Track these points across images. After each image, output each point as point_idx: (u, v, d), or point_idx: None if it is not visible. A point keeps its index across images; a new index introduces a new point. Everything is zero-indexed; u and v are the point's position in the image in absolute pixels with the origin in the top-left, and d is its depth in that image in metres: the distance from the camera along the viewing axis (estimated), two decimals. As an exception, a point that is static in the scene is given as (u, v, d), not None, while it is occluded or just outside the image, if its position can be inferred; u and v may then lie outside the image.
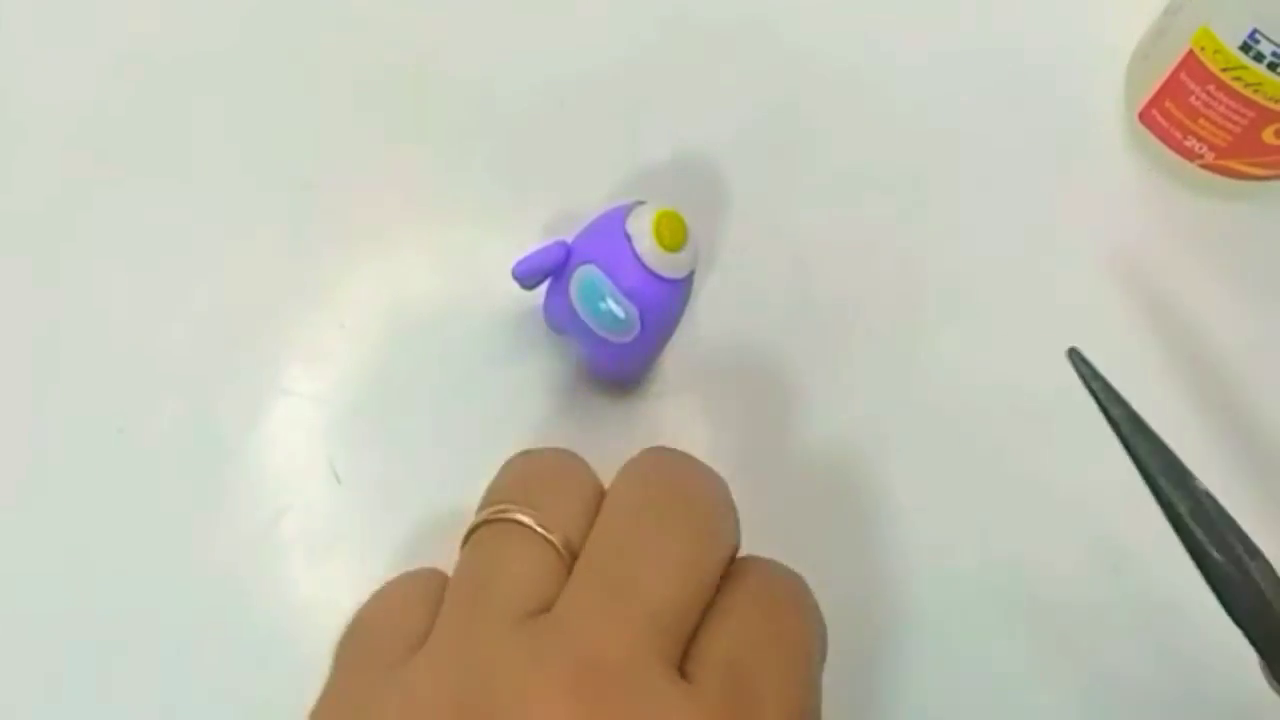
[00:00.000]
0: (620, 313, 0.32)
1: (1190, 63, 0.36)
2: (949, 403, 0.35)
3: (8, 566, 0.35)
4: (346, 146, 0.38)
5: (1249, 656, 0.28)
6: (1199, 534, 0.28)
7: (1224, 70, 0.35)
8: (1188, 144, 0.38)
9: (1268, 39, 0.33)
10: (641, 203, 0.33)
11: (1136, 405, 0.35)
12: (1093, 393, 0.30)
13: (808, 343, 0.37)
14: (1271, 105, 0.34)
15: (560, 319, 0.34)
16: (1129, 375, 0.37)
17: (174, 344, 0.37)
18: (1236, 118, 0.36)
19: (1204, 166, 0.38)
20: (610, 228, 0.33)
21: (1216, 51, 0.35)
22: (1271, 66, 0.33)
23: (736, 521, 0.29)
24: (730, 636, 0.27)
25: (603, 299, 0.32)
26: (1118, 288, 0.38)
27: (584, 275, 0.33)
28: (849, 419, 0.36)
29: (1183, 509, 0.28)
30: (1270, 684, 0.28)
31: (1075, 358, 0.31)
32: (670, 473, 0.29)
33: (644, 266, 0.32)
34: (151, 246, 0.38)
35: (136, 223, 0.38)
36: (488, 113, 0.39)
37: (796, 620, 0.28)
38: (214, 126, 0.39)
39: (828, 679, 0.29)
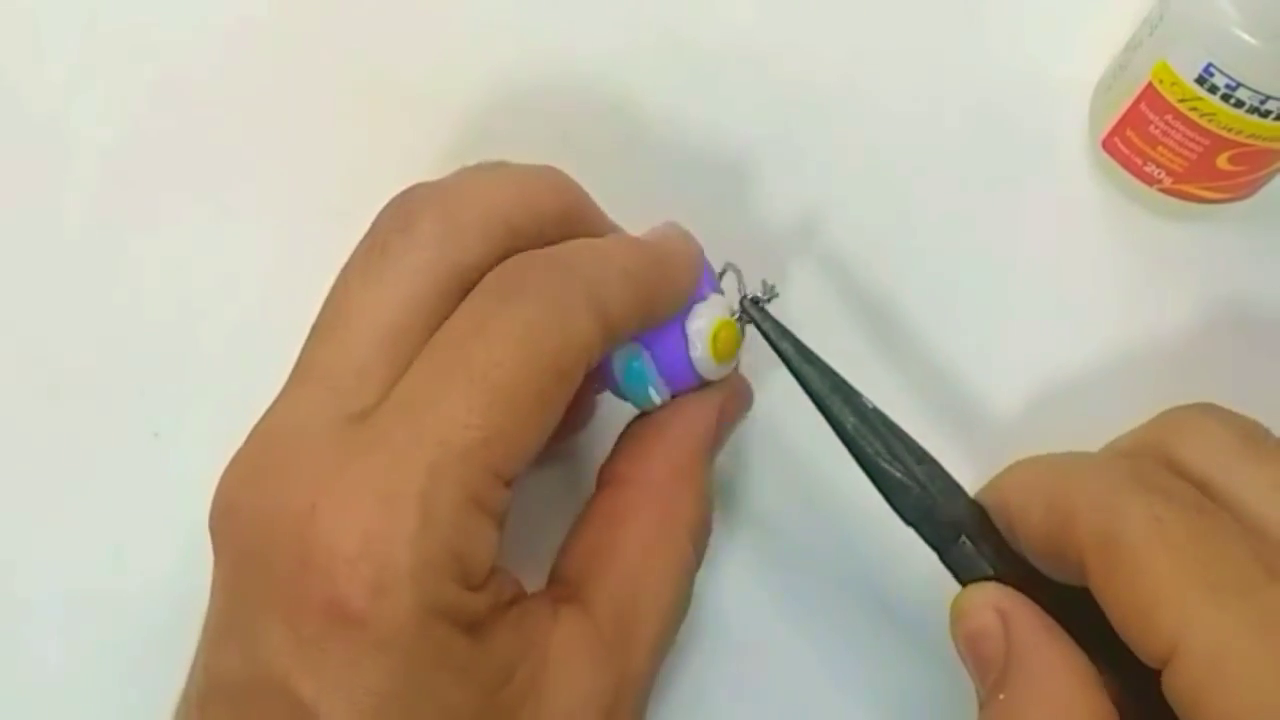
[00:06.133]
0: (656, 398, 0.32)
1: (1150, 94, 0.36)
2: (922, 419, 0.35)
3: (44, 566, 0.36)
4: (376, 176, 0.37)
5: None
6: (866, 446, 0.30)
7: (1181, 101, 0.35)
8: (1147, 169, 0.38)
9: (1221, 73, 0.34)
10: (702, 298, 0.32)
11: (1102, 412, 0.37)
12: (762, 331, 0.32)
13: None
14: (1225, 134, 0.35)
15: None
16: (1094, 384, 0.38)
17: (209, 356, 0.37)
18: (1193, 145, 0.36)
19: (1162, 190, 0.39)
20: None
21: (1174, 84, 0.35)
22: (1225, 98, 0.34)
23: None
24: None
25: (644, 384, 0.32)
26: (1082, 303, 0.39)
27: (632, 358, 0.32)
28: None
29: (849, 424, 0.30)
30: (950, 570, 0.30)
31: (745, 303, 0.32)
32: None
33: (692, 368, 0.32)
34: (189, 266, 0.39)
35: (175, 244, 0.39)
36: (493, 146, 0.40)
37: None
38: (250, 154, 0.40)
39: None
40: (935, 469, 0.30)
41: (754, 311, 0.32)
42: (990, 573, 0.29)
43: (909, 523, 0.29)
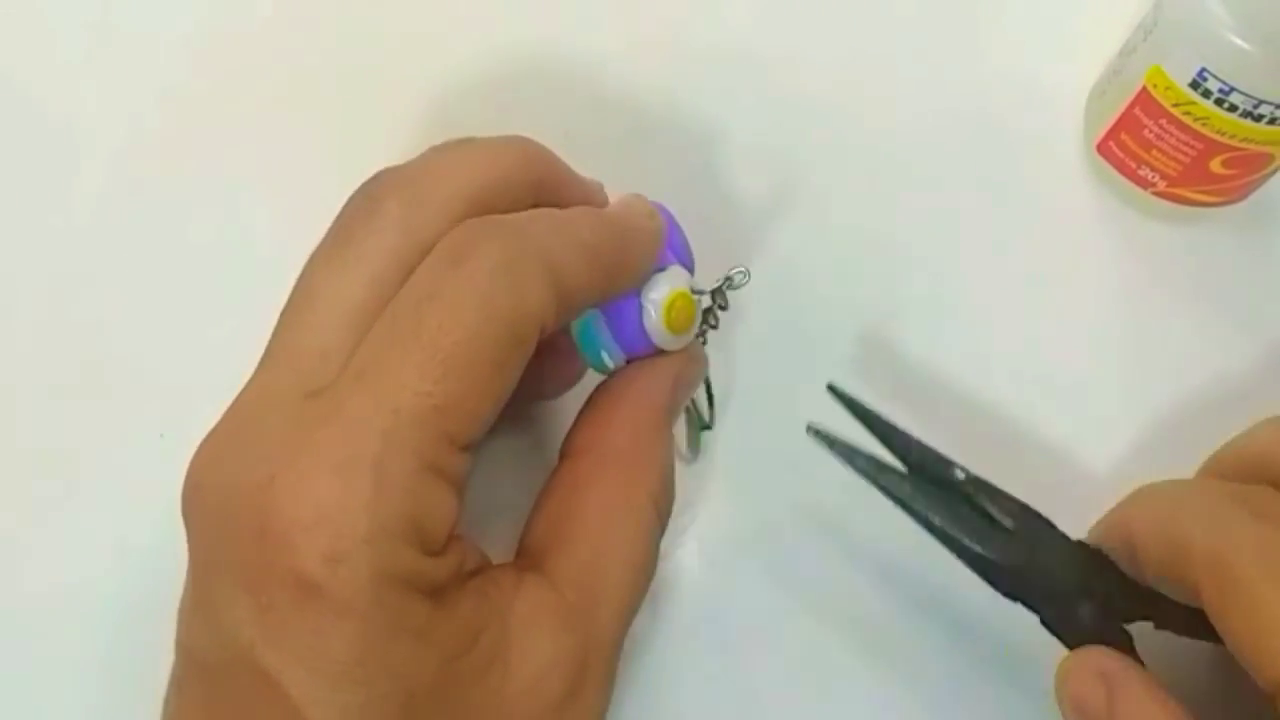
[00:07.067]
0: (610, 362, 0.32)
1: (1144, 99, 0.37)
2: (922, 419, 0.35)
3: (48, 564, 0.36)
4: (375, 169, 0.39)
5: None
6: (956, 535, 0.30)
7: (1175, 106, 0.36)
8: (1142, 173, 0.39)
9: (1215, 77, 0.34)
10: (662, 269, 0.32)
11: (1099, 413, 0.37)
12: (836, 454, 0.31)
13: (792, 361, 0.38)
14: (1218, 138, 0.36)
15: None
16: (1086, 385, 0.39)
17: (215, 354, 0.36)
18: (1186, 149, 0.37)
19: (1156, 194, 0.39)
20: None
21: (1168, 89, 0.36)
22: (1218, 102, 0.35)
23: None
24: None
25: (596, 347, 0.32)
26: (1076, 306, 0.40)
27: (586, 321, 0.32)
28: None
29: (936, 520, 0.30)
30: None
31: (811, 432, 0.31)
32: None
33: (645, 335, 0.32)
34: (195, 261, 0.39)
35: (181, 237, 0.39)
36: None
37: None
38: (257, 147, 0.41)
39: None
40: (1037, 523, 0.30)
41: (824, 438, 0.31)
42: (1093, 634, 0.29)
43: (1010, 597, 0.30)
